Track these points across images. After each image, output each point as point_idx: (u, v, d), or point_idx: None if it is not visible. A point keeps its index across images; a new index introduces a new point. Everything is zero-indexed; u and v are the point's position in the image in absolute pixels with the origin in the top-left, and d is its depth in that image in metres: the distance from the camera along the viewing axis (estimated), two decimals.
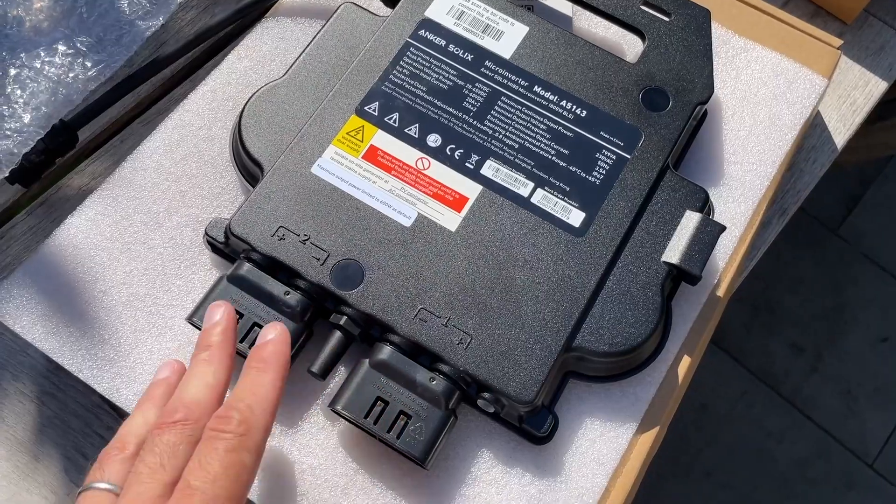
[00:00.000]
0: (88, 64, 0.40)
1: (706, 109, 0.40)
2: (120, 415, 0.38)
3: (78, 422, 0.38)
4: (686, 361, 0.36)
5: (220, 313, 0.31)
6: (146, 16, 0.41)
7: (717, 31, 0.42)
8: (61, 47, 0.41)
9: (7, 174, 0.39)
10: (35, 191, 0.43)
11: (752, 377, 1.09)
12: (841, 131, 0.47)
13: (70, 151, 0.41)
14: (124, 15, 0.42)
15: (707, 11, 0.39)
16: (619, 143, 0.36)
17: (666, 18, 0.39)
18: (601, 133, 0.36)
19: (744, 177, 0.39)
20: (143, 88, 0.45)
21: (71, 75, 0.40)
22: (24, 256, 0.40)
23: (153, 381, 0.31)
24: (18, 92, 0.39)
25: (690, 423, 1.06)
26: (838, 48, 0.43)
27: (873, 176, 1.21)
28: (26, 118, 0.39)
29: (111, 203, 0.37)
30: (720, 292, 0.37)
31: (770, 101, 0.41)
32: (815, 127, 0.47)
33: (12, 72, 0.40)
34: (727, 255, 0.38)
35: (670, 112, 0.37)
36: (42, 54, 0.40)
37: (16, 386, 0.39)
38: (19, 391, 0.38)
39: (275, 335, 0.30)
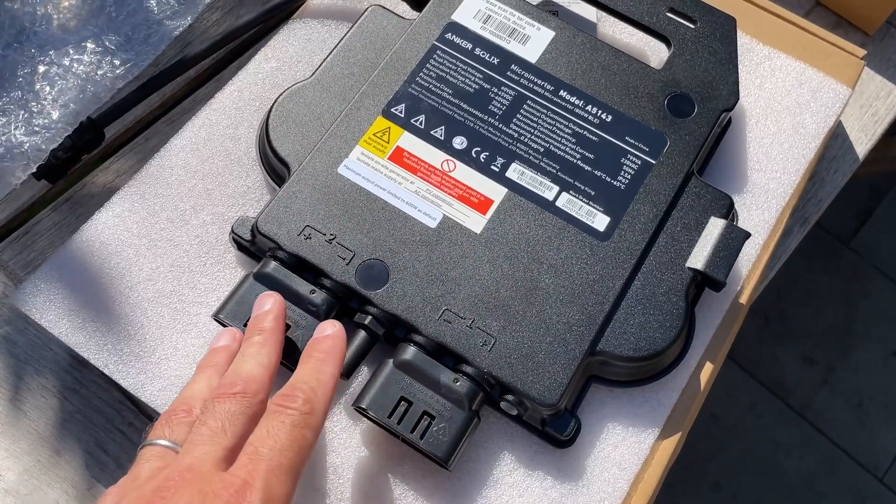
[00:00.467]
0: (116, 62, 0.41)
1: (731, 117, 0.40)
2: (142, 410, 0.38)
3: (100, 417, 0.38)
4: (708, 368, 0.36)
5: (271, 302, 0.31)
6: (174, 15, 0.42)
7: (742, 40, 0.42)
8: (90, 45, 0.41)
9: (34, 170, 0.39)
10: (60, 187, 0.43)
11: (762, 388, 1.09)
12: (863, 141, 0.47)
13: (96, 149, 0.42)
14: (152, 14, 0.42)
15: (733, 19, 0.39)
16: (645, 148, 0.36)
17: (692, 26, 0.39)
18: (626, 138, 0.36)
19: (767, 184, 0.39)
20: (169, 88, 0.45)
21: (99, 73, 0.40)
22: (49, 252, 0.40)
23: (212, 347, 0.31)
24: (47, 89, 0.40)
25: (699, 433, 1.05)
26: (862, 58, 0.43)
27: (886, 189, 1.21)
28: (55, 115, 0.39)
29: (138, 200, 0.37)
30: (743, 299, 0.37)
31: (794, 109, 0.41)
32: (836, 137, 0.47)
33: (41, 69, 0.40)
34: (750, 263, 0.38)
35: (696, 118, 0.37)
36: (71, 52, 0.41)
37: (38, 381, 0.39)
38: (42, 386, 0.39)
39: (333, 331, 0.31)
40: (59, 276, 0.35)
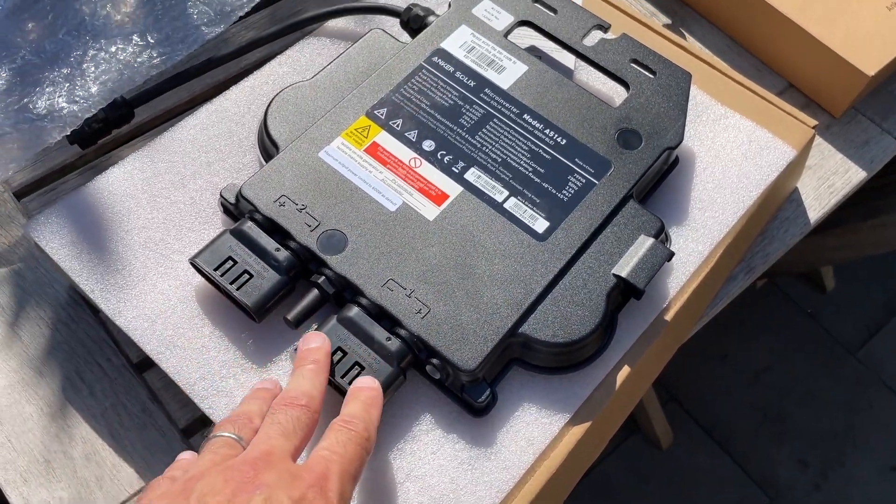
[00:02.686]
0: (154, 54, 0.47)
1: (678, 157, 0.44)
2: (120, 349, 0.43)
3: (83, 350, 0.43)
4: (625, 371, 0.39)
5: (319, 340, 0.35)
6: (210, 23, 0.49)
7: (702, 98, 0.47)
8: (135, 38, 0.48)
9: (69, 133, 0.46)
10: (90, 157, 0.49)
11: (752, 484, 1.08)
12: (816, 209, 0.51)
13: (125, 124, 0.48)
14: (192, 20, 0.49)
15: (688, 74, 0.44)
16: (591, 170, 0.41)
17: (650, 76, 0.44)
18: (576, 160, 0.41)
19: (706, 222, 0.43)
20: (198, 87, 0.52)
21: (138, 61, 0.47)
22: None
23: (257, 387, 0.34)
24: (92, 68, 0.47)
25: None
26: (813, 128, 0.47)
27: None
28: (94, 89, 0.46)
29: (147, 162, 0.43)
30: (667, 316, 0.41)
31: (740, 161, 0.45)
32: (791, 201, 0.51)
33: (91, 52, 0.47)
34: (679, 285, 0.41)
35: (641, 151, 0.42)
36: (118, 42, 0.48)
37: (37, 311, 0.44)
38: (39, 316, 0.44)
39: (373, 384, 0.34)
40: (67, 213, 0.41)
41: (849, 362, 1.18)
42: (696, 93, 0.47)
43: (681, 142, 0.42)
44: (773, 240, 0.50)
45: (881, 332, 1.21)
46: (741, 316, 1.20)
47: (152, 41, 0.48)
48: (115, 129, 0.48)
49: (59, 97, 0.46)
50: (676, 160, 0.44)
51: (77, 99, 0.46)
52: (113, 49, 0.48)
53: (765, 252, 0.49)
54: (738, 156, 0.45)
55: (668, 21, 0.58)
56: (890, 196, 0.67)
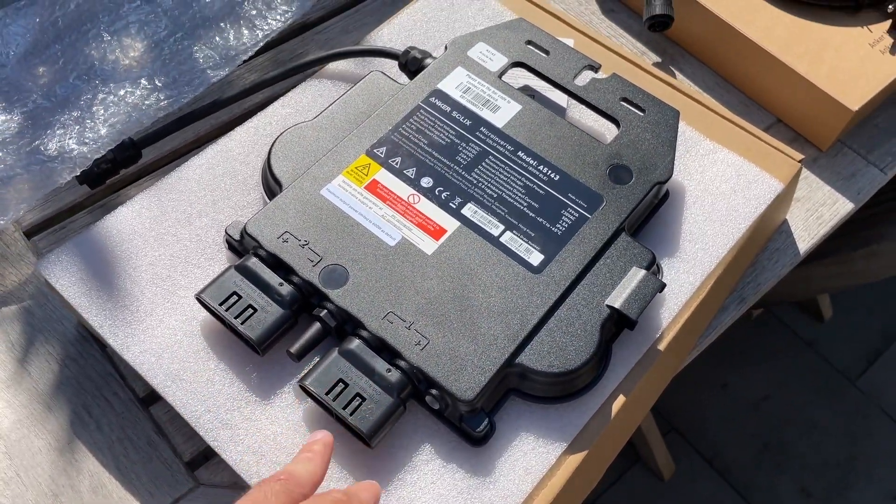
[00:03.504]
0: (161, 97, 0.49)
1: (668, 191, 0.46)
2: (127, 383, 0.44)
3: (91, 385, 0.44)
4: (620, 400, 0.40)
5: (322, 434, 0.36)
6: (215, 66, 0.50)
7: (691, 134, 0.49)
8: (143, 82, 0.50)
9: (78, 174, 0.47)
10: (99, 196, 0.51)
11: None
12: (805, 239, 0.52)
13: (133, 165, 0.50)
14: (198, 64, 0.51)
15: (676, 112, 0.46)
16: (584, 204, 0.42)
17: (640, 113, 0.46)
18: (569, 195, 0.43)
19: (696, 254, 0.44)
20: (203, 127, 0.54)
21: (146, 104, 0.49)
22: None
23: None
24: (101, 111, 0.48)
25: None
26: (799, 161, 0.48)
27: None
28: (103, 131, 0.47)
29: (155, 201, 0.44)
30: (661, 346, 0.42)
31: (729, 195, 0.46)
32: (781, 233, 0.52)
33: (100, 96, 0.49)
34: (671, 315, 0.42)
35: (631, 186, 0.43)
36: (127, 86, 0.49)
37: (46, 348, 0.45)
38: (48, 353, 0.45)
39: (372, 489, 0.35)
40: (77, 252, 0.42)
41: (848, 391, 1.18)
42: (685, 129, 0.49)
43: (670, 176, 0.44)
44: (763, 270, 0.51)
45: (880, 359, 1.22)
46: (740, 346, 1.21)
47: (159, 84, 0.50)
48: (123, 169, 0.49)
49: (69, 139, 0.47)
50: (667, 194, 0.46)
51: (87, 140, 0.47)
52: (122, 92, 0.50)
53: (756, 282, 0.51)
54: (727, 189, 0.47)
55: (658, 59, 0.60)
56: (879, 226, 0.69)
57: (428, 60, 0.48)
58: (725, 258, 0.44)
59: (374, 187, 0.42)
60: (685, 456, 1.12)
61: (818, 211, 0.53)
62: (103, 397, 0.44)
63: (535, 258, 0.40)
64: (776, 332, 1.23)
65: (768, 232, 0.51)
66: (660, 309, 0.42)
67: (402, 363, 0.37)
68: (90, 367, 0.44)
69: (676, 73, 0.59)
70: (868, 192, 0.55)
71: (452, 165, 0.43)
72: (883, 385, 1.19)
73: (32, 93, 0.51)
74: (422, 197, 0.42)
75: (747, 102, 0.58)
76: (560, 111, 0.49)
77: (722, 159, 0.48)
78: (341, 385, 0.37)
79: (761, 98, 0.58)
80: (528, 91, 0.50)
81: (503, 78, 0.47)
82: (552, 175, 0.43)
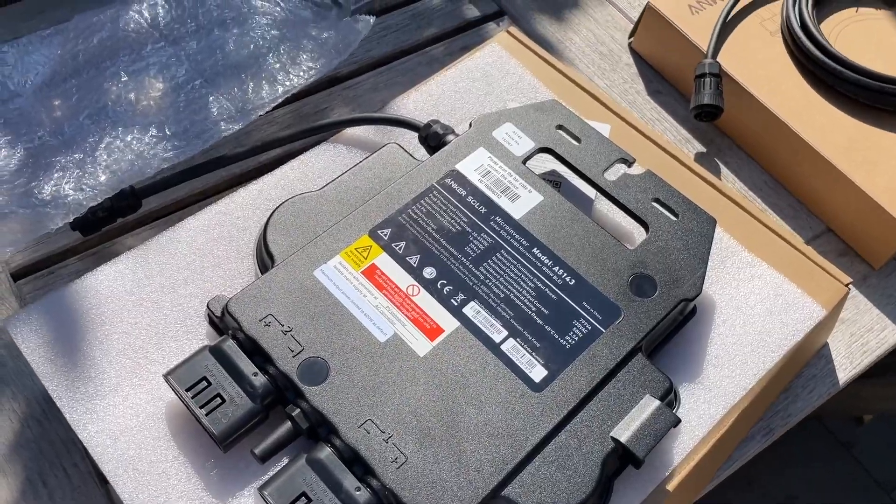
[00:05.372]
0: (169, 146, 0.47)
1: (695, 307, 0.41)
2: (86, 454, 0.41)
3: (51, 451, 0.41)
4: None
5: None
6: (229, 119, 0.48)
7: (729, 242, 0.44)
8: (153, 129, 0.47)
9: (71, 220, 0.45)
10: (93, 242, 0.48)
11: None
12: (847, 368, 0.47)
13: (132, 214, 0.47)
14: (211, 115, 0.48)
15: (713, 220, 0.42)
16: (598, 316, 0.38)
17: (673, 218, 0.42)
18: (583, 303, 0.39)
19: (721, 381, 0.40)
20: (210, 180, 0.51)
21: (152, 152, 0.46)
22: None
23: None
24: (104, 156, 0.46)
25: None
26: (847, 285, 0.44)
27: None
28: (102, 178, 0.45)
29: (141, 262, 0.41)
30: (670, 486, 0.37)
31: (764, 317, 0.42)
32: (821, 357, 0.48)
33: (106, 140, 0.47)
34: (685, 452, 0.38)
35: (654, 300, 0.39)
36: (135, 131, 0.47)
37: (11, 404, 0.42)
38: (12, 409, 0.42)
39: None
40: (50, 312, 0.39)
41: (883, 500, 1.11)
42: (722, 235, 0.45)
43: (699, 294, 0.39)
44: (796, 399, 0.46)
45: None
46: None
47: (169, 133, 0.48)
48: (120, 217, 0.47)
49: (66, 184, 0.45)
50: (694, 311, 0.41)
51: (84, 187, 0.45)
52: (129, 138, 0.47)
53: (786, 412, 0.46)
54: (763, 310, 0.42)
55: (704, 149, 0.56)
56: None
57: (449, 137, 0.45)
58: (753, 389, 0.40)
59: (371, 273, 0.39)
60: None
61: (864, 337, 0.48)
62: (62, 467, 0.40)
63: (538, 373, 0.36)
64: (810, 427, 1.16)
65: (805, 358, 0.46)
66: (672, 442, 0.38)
67: (373, 482, 0.33)
68: (53, 431, 0.41)
69: (722, 166, 0.55)
70: None
71: (460, 257, 0.40)
72: None
73: (40, 128, 0.49)
74: (422, 289, 0.39)
75: (797, 206, 0.53)
76: (587, 201, 0.46)
77: (760, 275, 0.43)
78: (304, 500, 0.33)
79: (812, 203, 0.53)
80: (554, 175, 0.46)
81: (528, 164, 0.44)
82: (567, 279, 0.39)
